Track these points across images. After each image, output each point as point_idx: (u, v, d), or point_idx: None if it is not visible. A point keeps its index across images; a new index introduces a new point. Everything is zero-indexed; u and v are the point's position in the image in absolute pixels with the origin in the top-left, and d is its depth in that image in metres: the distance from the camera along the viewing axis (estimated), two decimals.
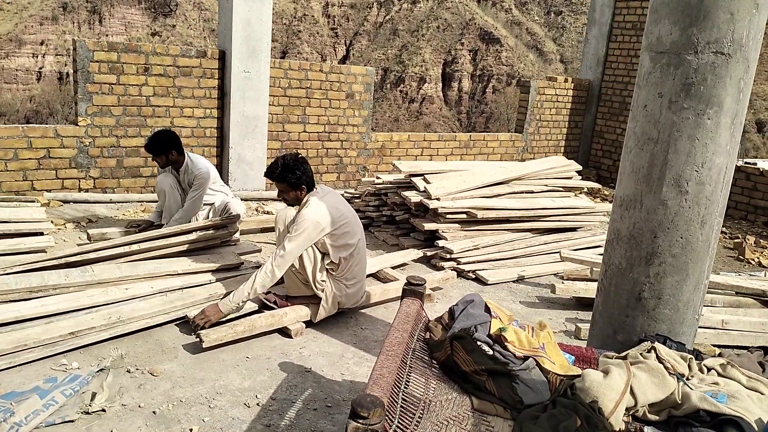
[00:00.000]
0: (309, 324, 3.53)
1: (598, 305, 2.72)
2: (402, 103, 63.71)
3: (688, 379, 2.14)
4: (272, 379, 2.98)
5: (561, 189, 5.84)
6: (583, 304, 4.23)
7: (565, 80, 8.96)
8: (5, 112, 54.14)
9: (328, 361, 3.20)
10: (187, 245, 3.99)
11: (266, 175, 3.45)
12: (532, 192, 5.61)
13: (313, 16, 72.75)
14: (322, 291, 3.46)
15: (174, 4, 74.09)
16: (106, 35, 67.08)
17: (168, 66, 5.97)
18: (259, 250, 4.45)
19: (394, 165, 5.30)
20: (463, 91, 64.14)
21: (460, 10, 68.85)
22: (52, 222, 4.79)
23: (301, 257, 3.38)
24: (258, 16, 6.13)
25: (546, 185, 5.77)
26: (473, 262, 4.76)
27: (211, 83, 6.21)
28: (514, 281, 4.66)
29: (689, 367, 2.21)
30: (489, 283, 4.52)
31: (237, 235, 4.52)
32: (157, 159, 4.52)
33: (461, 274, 4.65)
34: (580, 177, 7.15)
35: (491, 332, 2.30)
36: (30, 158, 5.48)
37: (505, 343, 2.24)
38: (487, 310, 2.45)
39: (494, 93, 60.86)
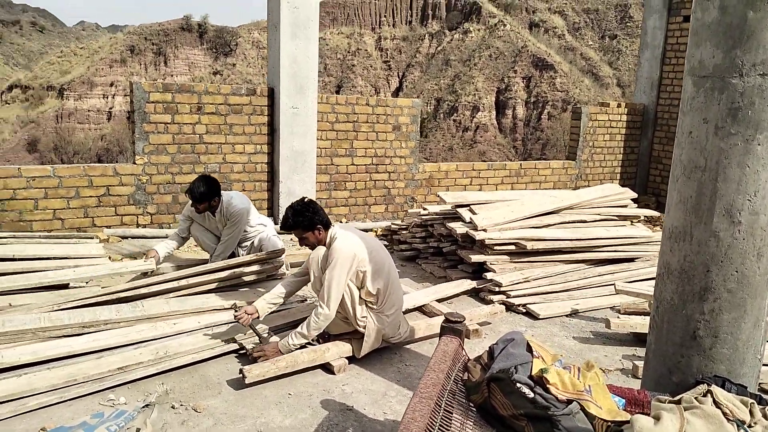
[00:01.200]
0: (352, 360, 3.49)
1: (650, 343, 2.58)
2: (456, 132, 63.70)
3: (749, 426, 1.98)
4: (313, 417, 2.94)
5: (616, 218, 5.65)
6: (641, 339, 4.02)
7: (618, 105, 8.75)
8: (78, 150, 57.19)
9: (371, 399, 3.14)
10: (234, 280, 4.05)
11: (282, 228, 3.55)
12: (585, 221, 5.43)
13: (366, 50, 74.20)
14: (364, 327, 3.42)
15: (234, 44, 77.16)
16: (171, 75, 70.37)
17: (219, 104, 6.17)
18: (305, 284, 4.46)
19: (439, 196, 5.26)
20: (517, 118, 63.62)
21: (512, 38, 68.75)
22: (109, 258, 4.97)
23: None
24: (304, 53, 6.27)
25: (599, 214, 5.58)
26: (523, 296, 4.63)
27: (261, 120, 6.37)
28: (567, 315, 4.49)
29: (751, 412, 2.04)
30: (540, 317, 4.37)
31: (284, 268, 4.56)
32: (199, 206, 4.52)
33: (511, 308, 4.52)
34: (637, 205, 6.91)
35: (532, 373, 2.21)
36: (91, 196, 5.72)
37: (547, 386, 2.14)
38: (529, 349, 2.36)
39: (550, 119, 60.07)
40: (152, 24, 77.82)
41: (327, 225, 3.49)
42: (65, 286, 4.02)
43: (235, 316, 3.38)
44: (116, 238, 5.68)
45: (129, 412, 2.81)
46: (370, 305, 3.45)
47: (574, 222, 5.37)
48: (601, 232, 5.21)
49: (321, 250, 3.49)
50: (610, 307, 4.63)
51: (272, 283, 4.24)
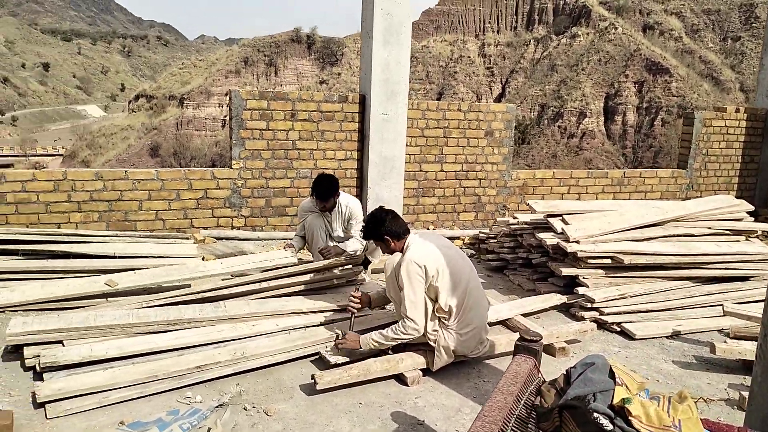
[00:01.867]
0: (427, 371, 3.37)
1: (756, 376, 2.27)
2: (560, 139, 61.62)
3: None
4: (382, 429, 2.86)
5: (728, 232, 5.14)
6: (751, 368, 3.60)
7: (737, 110, 8.01)
8: (195, 155, 61.04)
9: (443, 415, 3.01)
10: (314, 284, 4.06)
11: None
12: (692, 235, 4.99)
13: (469, 56, 73.66)
14: (435, 341, 3.30)
15: (340, 53, 79.33)
16: (280, 85, 73.45)
17: (312, 111, 6.27)
18: (383, 289, 4.40)
19: (528, 204, 5.02)
20: (627, 125, 60.51)
21: (624, 41, 65.59)
22: (203, 258, 5.17)
23: None
24: (396, 59, 6.24)
25: (709, 228, 5.11)
26: (618, 313, 4.30)
27: (352, 126, 6.41)
28: (667, 337, 4.12)
29: None
30: (636, 337, 4.04)
31: (364, 274, 4.53)
32: (325, 202, 4.65)
33: (604, 325, 4.21)
34: (755, 219, 6.28)
35: (613, 403, 1.99)
36: (190, 198, 6.00)
37: (629, 418, 1.92)
38: (612, 375, 2.14)
39: (663, 126, 56.62)
40: (265, 36, 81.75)
41: (397, 234, 3.41)
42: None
43: (350, 301, 3.51)
44: (211, 239, 5.91)
45: (203, 411, 2.87)
46: (442, 320, 3.31)
47: (679, 235, 4.95)
48: (711, 248, 4.75)
49: (397, 256, 3.41)
50: (718, 330, 4.20)
51: (351, 289, 4.21)
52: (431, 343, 3.31)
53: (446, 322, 3.30)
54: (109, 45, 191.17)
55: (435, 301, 3.29)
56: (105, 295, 3.89)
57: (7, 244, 4.48)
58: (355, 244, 4.66)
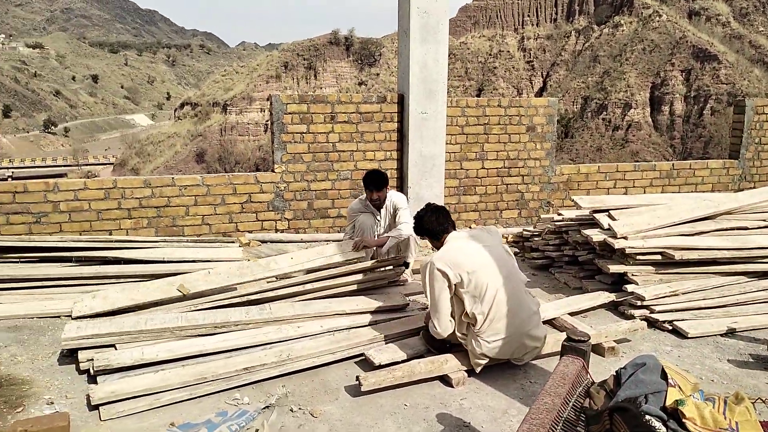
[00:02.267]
0: (472, 372, 3.34)
1: None
2: (605, 132, 60.29)
3: None
4: (428, 431, 2.85)
5: None
6: None
7: None
8: (239, 160, 62.22)
9: (490, 417, 2.97)
10: (357, 284, 4.07)
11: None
12: (746, 228, 4.79)
13: (508, 51, 72.81)
14: (466, 346, 3.28)
15: (378, 54, 79.57)
16: (320, 87, 74.20)
17: (351, 113, 6.29)
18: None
19: (573, 200, 4.92)
20: (675, 115, 58.76)
21: (669, 28, 63.70)
22: (248, 261, 5.25)
23: None
24: (434, 57, 6.21)
25: (765, 220, 4.90)
26: (670, 311, 4.16)
27: (391, 126, 6.40)
28: (721, 335, 3.97)
29: None
30: (689, 336, 3.90)
31: (406, 275, 4.52)
32: (379, 194, 4.74)
33: (654, 324, 4.09)
34: None
35: (666, 404, 1.93)
36: (235, 203, 6.10)
37: (683, 420, 1.86)
38: (664, 375, 2.07)
39: (713, 115, 54.75)
40: (304, 40, 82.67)
41: (432, 233, 3.43)
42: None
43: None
44: (256, 242, 6.00)
45: (250, 413, 2.90)
46: (470, 326, 3.26)
47: (732, 229, 4.76)
48: (767, 241, 4.55)
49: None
50: None
51: (394, 289, 4.21)
52: (463, 345, 3.29)
53: (474, 329, 3.24)
54: (155, 55, 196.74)
55: (463, 304, 3.24)
56: (183, 298, 3.87)
57: (61, 251, 4.65)
58: (406, 229, 4.65)
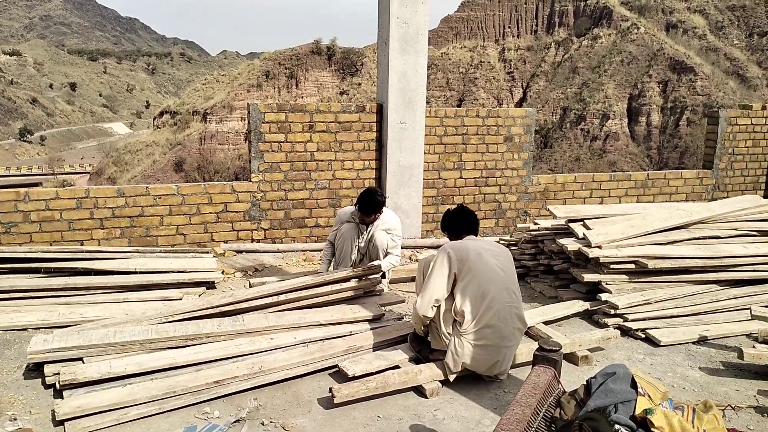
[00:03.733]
0: (447, 383, 3.32)
1: None
2: (584, 142, 61.05)
3: None
4: None
5: (756, 233, 4.99)
6: None
7: (763, 107, 7.81)
8: (219, 169, 61.81)
9: (463, 427, 2.95)
10: (332, 295, 4.04)
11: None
12: (718, 237, 4.85)
13: (489, 62, 73.52)
14: (448, 346, 3.28)
15: (360, 63, 79.82)
16: (302, 97, 74.16)
17: (330, 122, 6.27)
18: (403, 301, 4.37)
19: (549, 209, 4.94)
20: (652, 126, 59.74)
21: (647, 41, 64.86)
22: (222, 271, 5.19)
23: None
24: (413, 67, 6.23)
25: (736, 229, 4.97)
26: (643, 319, 4.19)
27: (370, 136, 6.40)
28: (693, 342, 4.00)
29: None
30: (662, 344, 3.93)
31: (382, 285, 4.49)
32: (367, 219, 4.61)
33: (628, 332, 4.11)
34: None
35: (636, 413, 1.93)
36: (210, 212, 6.03)
37: (652, 429, 1.86)
38: (634, 385, 2.07)
39: (689, 125, 55.75)
40: (285, 49, 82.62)
41: (455, 232, 3.60)
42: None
43: None
44: (232, 253, 5.94)
45: (220, 427, 2.86)
46: (457, 325, 3.27)
47: (705, 238, 4.82)
48: (738, 250, 4.62)
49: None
50: (746, 335, 4.07)
51: (369, 300, 4.18)
52: (444, 348, 3.30)
53: (460, 328, 3.26)
54: (134, 63, 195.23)
55: (453, 298, 3.29)
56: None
57: (30, 263, 4.55)
58: (392, 260, 4.68)
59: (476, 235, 3.60)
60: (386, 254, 4.66)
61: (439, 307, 3.35)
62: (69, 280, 4.43)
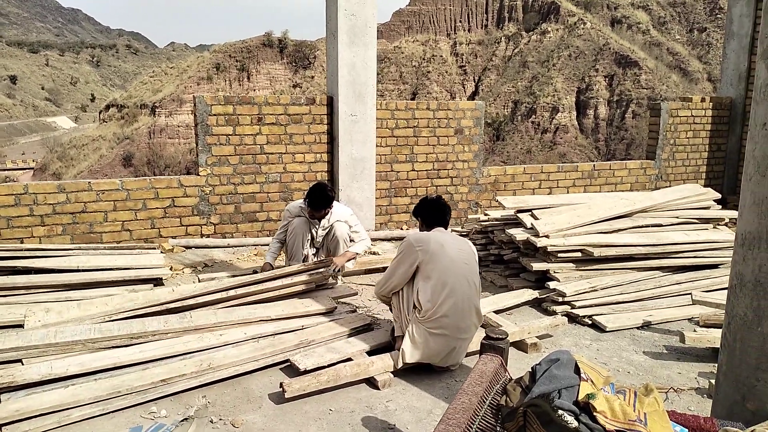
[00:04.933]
0: (399, 374, 3.33)
1: (722, 364, 2.27)
2: (534, 135, 62.15)
3: None
4: None
5: (696, 221, 5.19)
6: None
7: (702, 99, 8.12)
8: (169, 163, 60.35)
9: (415, 417, 2.97)
10: (283, 290, 3.99)
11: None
12: (661, 225, 5.02)
13: (441, 56, 73.92)
14: (404, 333, 3.32)
15: (312, 57, 79.03)
16: (254, 90, 72.91)
17: (280, 115, 6.19)
18: (356, 293, 4.36)
19: (497, 200, 5.01)
20: (599, 119, 61.29)
21: (593, 36, 66.43)
22: (171, 268, 5.07)
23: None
24: (362, 60, 6.20)
25: (677, 217, 5.15)
26: (590, 306, 4.31)
27: (321, 128, 6.35)
28: (638, 328, 4.14)
29: None
30: (608, 329, 4.05)
31: (340, 279, 4.47)
32: (318, 214, 4.56)
33: (575, 319, 4.22)
34: (726, 206, 6.38)
35: (579, 398, 1.97)
36: (157, 207, 5.88)
37: (594, 413, 1.89)
38: (578, 370, 2.11)
39: (634, 118, 57.48)
40: (236, 42, 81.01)
41: (427, 222, 3.64)
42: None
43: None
44: (180, 249, 5.80)
45: (167, 426, 2.79)
46: (416, 311, 3.32)
47: (648, 226, 4.98)
48: (679, 237, 4.79)
49: None
50: (688, 319, 4.23)
51: (321, 293, 4.16)
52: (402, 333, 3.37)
53: (418, 315, 3.30)
54: (78, 55, 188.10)
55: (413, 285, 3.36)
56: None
57: None
58: (363, 245, 4.73)
59: (446, 228, 3.65)
60: (351, 242, 4.67)
61: (400, 294, 3.43)
62: (8, 280, 4.24)
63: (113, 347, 3.30)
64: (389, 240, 6.33)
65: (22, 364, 3.13)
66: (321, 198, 4.46)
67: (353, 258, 4.68)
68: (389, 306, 3.65)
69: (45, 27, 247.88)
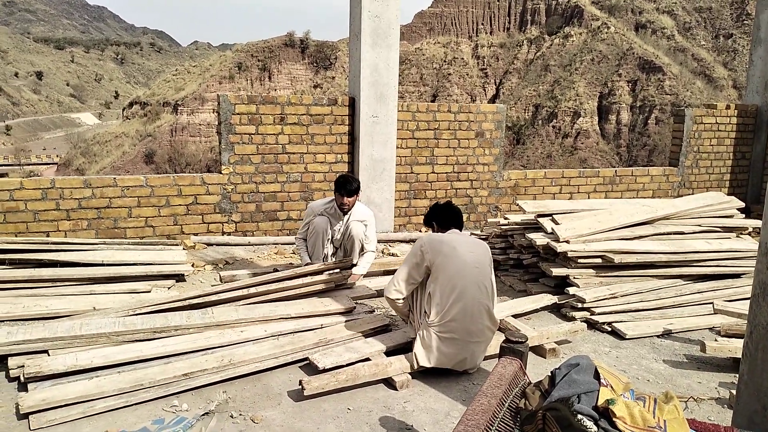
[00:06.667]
0: (417, 375, 3.35)
1: (743, 374, 2.25)
2: (555, 139, 61.77)
3: None
4: None
5: (719, 229, 5.13)
6: None
7: (727, 107, 8.02)
8: (190, 161, 60.91)
9: (432, 419, 2.99)
10: (303, 288, 4.03)
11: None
12: (683, 233, 4.98)
13: (462, 58, 73.79)
14: (417, 334, 3.36)
15: (333, 57, 79.36)
16: (275, 89, 73.43)
17: (302, 115, 6.24)
18: (375, 294, 4.38)
19: (518, 204, 5.01)
20: (621, 124, 60.73)
21: (617, 40, 65.84)
22: (192, 264, 5.14)
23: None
24: (385, 61, 6.23)
25: (700, 225, 5.10)
26: (609, 313, 4.28)
27: (342, 129, 6.39)
28: (658, 336, 4.11)
29: None
30: (627, 337, 4.02)
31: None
32: (349, 200, 4.62)
33: (595, 325, 4.20)
34: (750, 215, 6.31)
35: (598, 404, 1.97)
36: (180, 204, 5.96)
37: (614, 419, 1.90)
38: (597, 376, 2.12)
39: (657, 124, 56.84)
40: (258, 41, 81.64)
41: (439, 225, 3.64)
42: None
43: None
44: (202, 245, 5.88)
45: (188, 420, 2.84)
46: (425, 315, 3.33)
47: (670, 233, 4.94)
48: (701, 245, 4.74)
49: None
50: (709, 328, 4.19)
51: (341, 293, 4.19)
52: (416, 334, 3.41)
53: (427, 320, 3.32)
54: (103, 53, 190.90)
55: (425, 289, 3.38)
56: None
57: None
58: (368, 259, 4.72)
59: (461, 230, 3.65)
60: (362, 249, 4.69)
61: (413, 297, 3.46)
62: (34, 272, 4.34)
63: (137, 341, 3.37)
64: (407, 242, 6.35)
65: (48, 355, 3.20)
66: (349, 183, 4.54)
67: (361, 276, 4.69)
68: (396, 311, 3.68)
69: (71, 24, 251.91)
